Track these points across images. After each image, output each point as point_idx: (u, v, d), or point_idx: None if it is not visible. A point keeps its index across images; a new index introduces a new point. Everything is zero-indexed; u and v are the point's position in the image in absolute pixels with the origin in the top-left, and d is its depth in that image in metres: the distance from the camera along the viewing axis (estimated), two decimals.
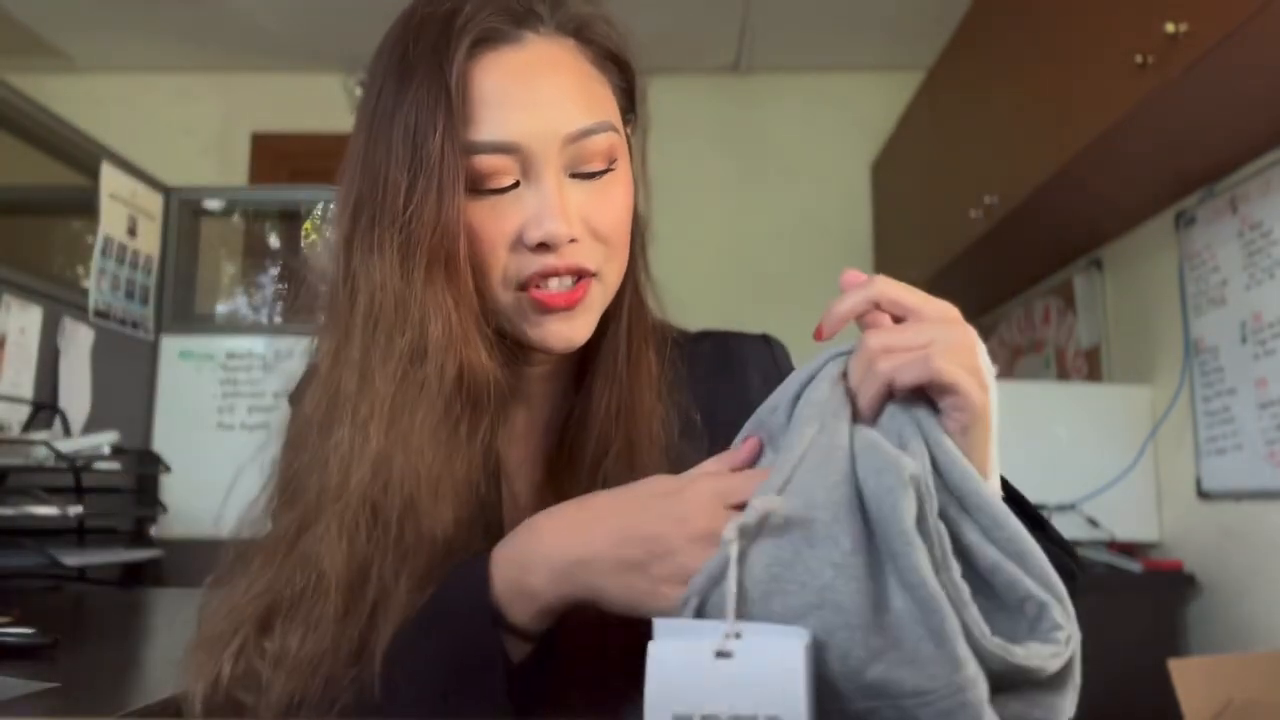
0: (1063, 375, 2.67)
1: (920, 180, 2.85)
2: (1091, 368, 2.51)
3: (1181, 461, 2.09)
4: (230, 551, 0.63)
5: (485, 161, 0.61)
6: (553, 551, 0.55)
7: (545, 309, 0.63)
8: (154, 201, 2.44)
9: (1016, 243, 2.40)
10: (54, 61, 3.44)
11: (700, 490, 0.53)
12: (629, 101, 0.70)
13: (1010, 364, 2.97)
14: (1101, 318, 2.49)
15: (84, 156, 2.19)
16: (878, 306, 0.53)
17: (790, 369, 0.76)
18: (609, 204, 0.64)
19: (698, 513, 0.52)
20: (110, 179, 2.23)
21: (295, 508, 0.61)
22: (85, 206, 2.22)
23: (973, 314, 3.23)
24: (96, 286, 2.18)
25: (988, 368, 0.53)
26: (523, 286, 0.63)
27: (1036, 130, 1.99)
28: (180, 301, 2.51)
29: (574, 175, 0.63)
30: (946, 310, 0.53)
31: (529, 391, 0.72)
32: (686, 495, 0.53)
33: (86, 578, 1.77)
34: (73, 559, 1.68)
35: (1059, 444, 2.16)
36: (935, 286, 3.03)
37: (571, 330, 0.64)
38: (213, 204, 2.68)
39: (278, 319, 2.56)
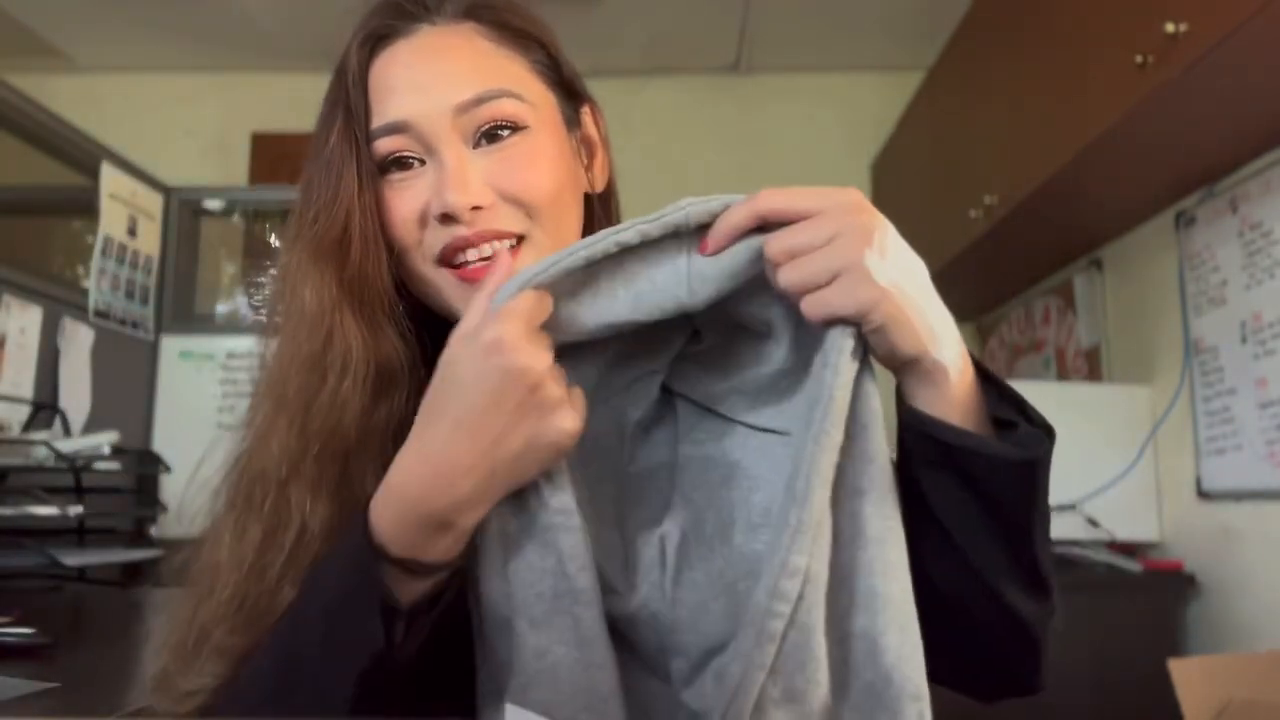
0: (1063, 375, 2.67)
1: (920, 180, 2.85)
2: (1091, 368, 2.51)
3: (1181, 461, 2.09)
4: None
5: (384, 144, 0.64)
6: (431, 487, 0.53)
7: (469, 283, 0.63)
8: (154, 201, 2.44)
9: (1016, 243, 2.40)
10: (54, 61, 3.44)
11: (504, 332, 0.52)
12: (558, 78, 0.70)
13: (1010, 364, 2.97)
14: (1101, 318, 2.49)
15: (84, 156, 2.19)
16: (765, 220, 0.54)
17: None
18: (519, 168, 0.64)
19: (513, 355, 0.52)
20: (110, 179, 2.23)
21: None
22: (85, 206, 2.23)
23: (973, 314, 3.23)
24: (96, 286, 2.18)
25: (898, 252, 0.53)
26: (444, 262, 0.64)
27: (1036, 130, 1.99)
28: (180, 301, 2.51)
29: (477, 146, 0.64)
30: (845, 199, 0.53)
31: None
32: (497, 354, 0.52)
33: (86, 578, 1.77)
34: (73, 559, 1.68)
35: (1059, 444, 2.15)
36: (935, 286, 3.03)
37: None
38: (213, 204, 2.69)
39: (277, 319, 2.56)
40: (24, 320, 1.92)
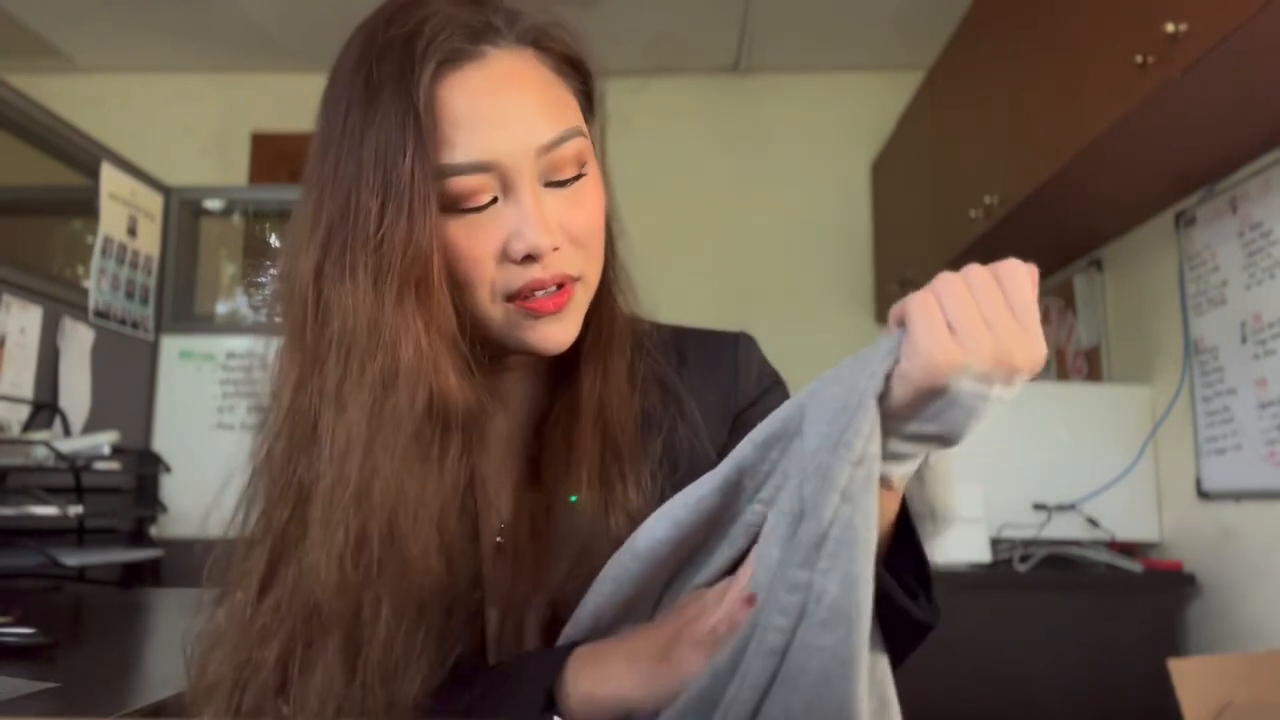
0: (1063, 375, 2.67)
1: (920, 180, 2.85)
2: (1091, 368, 2.51)
3: (1181, 461, 2.09)
4: (211, 576, 0.63)
5: (464, 182, 0.61)
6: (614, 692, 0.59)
7: (536, 315, 0.64)
8: (154, 201, 2.44)
9: (1016, 243, 2.39)
10: (54, 61, 3.44)
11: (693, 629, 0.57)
12: (589, 103, 0.71)
13: None
14: (1101, 318, 2.49)
15: (84, 156, 2.19)
16: None
17: (751, 367, 0.77)
18: (583, 209, 0.65)
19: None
20: (110, 179, 2.23)
21: (269, 535, 0.61)
22: (85, 206, 2.23)
23: None
24: (96, 286, 2.18)
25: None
26: (511, 298, 0.64)
27: (1036, 130, 1.99)
28: (180, 301, 2.51)
29: (548, 184, 0.64)
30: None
31: (505, 393, 0.73)
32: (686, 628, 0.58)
33: (86, 578, 1.77)
34: (73, 559, 1.68)
35: (1059, 444, 2.16)
36: None
37: (562, 331, 0.66)
38: (213, 204, 2.69)
39: (278, 319, 2.56)
40: (24, 320, 1.92)
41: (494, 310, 0.64)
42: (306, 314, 0.62)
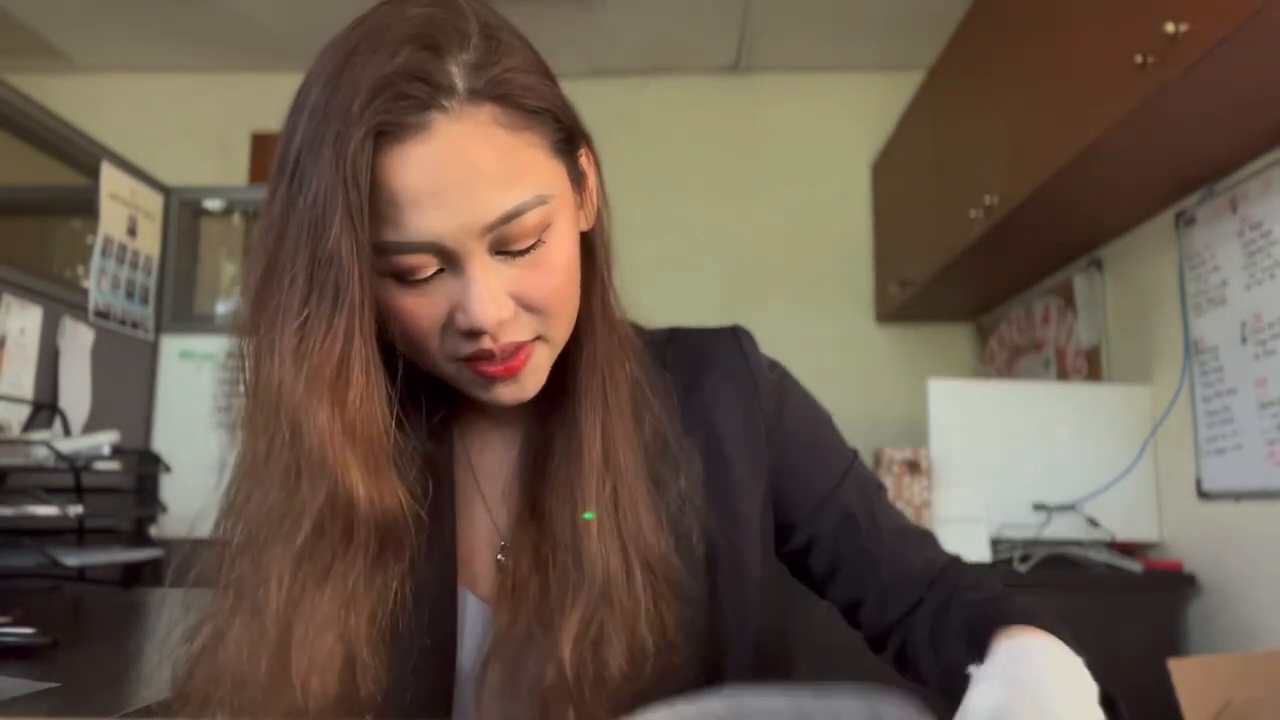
0: (1063, 375, 2.67)
1: (920, 180, 2.85)
2: (1091, 368, 2.51)
3: (1181, 461, 2.09)
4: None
5: (405, 259, 0.59)
6: None
7: (489, 379, 0.63)
8: (154, 201, 2.44)
9: (1016, 243, 2.40)
10: (54, 61, 3.44)
11: None
12: (568, 142, 0.65)
13: (1010, 364, 2.97)
14: (1101, 318, 2.49)
15: (84, 156, 2.20)
16: None
17: (760, 360, 0.77)
18: (541, 276, 0.62)
19: None
20: (110, 179, 2.23)
21: (218, 596, 0.60)
22: (85, 206, 2.23)
23: (973, 314, 3.24)
24: (96, 286, 2.18)
25: None
26: (462, 359, 0.62)
27: (1036, 130, 1.99)
28: (180, 301, 2.52)
29: (501, 253, 0.60)
30: None
31: (499, 414, 0.73)
32: None
33: (86, 578, 1.77)
34: (73, 559, 1.68)
35: (1059, 444, 2.16)
36: (935, 286, 3.03)
37: (520, 390, 0.64)
38: (213, 204, 2.69)
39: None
40: (24, 320, 1.92)
41: (447, 368, 0.63)
42: (245, 374, 0.62)
